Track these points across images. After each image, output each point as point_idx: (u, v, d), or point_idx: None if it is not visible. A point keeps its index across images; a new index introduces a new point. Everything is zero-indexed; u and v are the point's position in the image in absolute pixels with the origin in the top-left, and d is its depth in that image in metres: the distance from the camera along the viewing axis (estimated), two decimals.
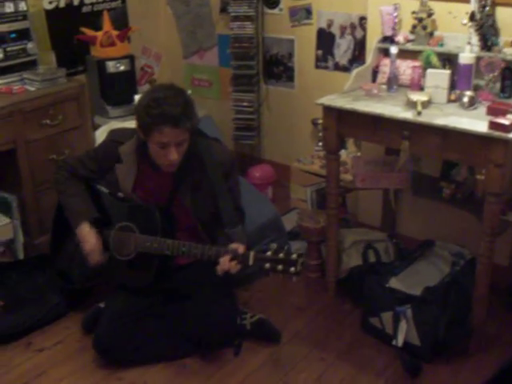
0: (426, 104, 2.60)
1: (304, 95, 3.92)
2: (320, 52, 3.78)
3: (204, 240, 2.63)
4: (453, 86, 2.72)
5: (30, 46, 3.31)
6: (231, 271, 2.41)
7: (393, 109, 2.62)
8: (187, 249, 2.51)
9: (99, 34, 3.76)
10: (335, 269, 3.07)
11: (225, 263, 2.42)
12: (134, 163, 2.61)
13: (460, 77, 2.70)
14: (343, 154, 3.47)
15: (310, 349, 2.76)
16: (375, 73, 3.07)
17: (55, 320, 2.93)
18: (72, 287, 2.88)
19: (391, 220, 3.43)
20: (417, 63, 2.85)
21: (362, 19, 3.49)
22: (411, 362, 2.60)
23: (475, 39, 2.71)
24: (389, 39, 3.00)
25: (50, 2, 3.71)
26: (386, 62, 2.98)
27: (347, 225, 3.40)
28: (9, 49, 3.24)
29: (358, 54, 3.60)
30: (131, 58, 3.85)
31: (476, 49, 2.70)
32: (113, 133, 2.74)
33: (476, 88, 2.72)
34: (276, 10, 3.90)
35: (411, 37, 2.97)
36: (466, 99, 2.59)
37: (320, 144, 3.82)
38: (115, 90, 3.82)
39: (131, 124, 2.67)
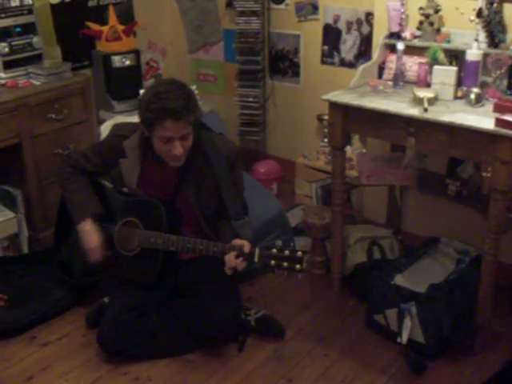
0: (433, 101, 2.59)
1: (310, 91, 3.91)
2: (326, 48, 3.77)
3: (207, 234, 2.62)
4: (459, 82, 2.70)
5: (35, 40, 3.31)
6: (238, 268, 2.42)
7: (399, 105, 2.61)
8: (192, 245, 2.51)
9: (105, 28, 3.76)
10: (340, 265, 3.06)
11: (231, 261, 2.42)
12: (139, 158, 2.61)
13: (467, 73, 2.68)
14: (348, 150, 3.47)
15: (314, 345, 2.76)
16: (381, 69, 3.06)
17: (60, 314, 2.94)
18: (71, 281, 2.89)
19: (396, 217, 3.42)
20: (423, 59, 2.84)
21: (369, 15, 3.48)
22: (415, 359, 2.59)
23: (482, 36, 2.70)
24: (395, 35, 2.98)
25: None
26: (393, 58, 2.97)
27: (352, 221, 3.40)
28: (14, 43, 3.24)
29: (364, 49, 3.58)
30: (137, 53, 3.85)
31: (483, 45, 2.69)
32: (116, 127, 2.74)
33: (483, 85, 2.70)
34: (282, 5, 3.88)
35: (418, 33, 2.95)
36: (472, 96, 2.58)
37: (325, 140, 3.81)
38: (121, 84, 3.82)
39: (136, 119, 2.66)
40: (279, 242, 2.38)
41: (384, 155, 3.21)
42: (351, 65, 3.67)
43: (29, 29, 3.29)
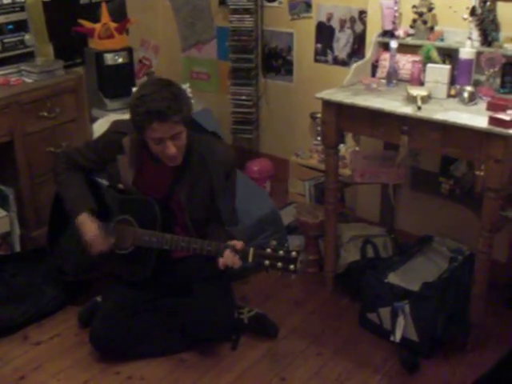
0: (426, 99, 2.59)
1: (303, 89, 3.90)
2: (319, 46, 3.76)
3: (192, 236, 2.60)
4: (453, 81, 2.70)
5: (27, 37, 3.29)
6: (234, 266, 2.40)
7: (392, 103, 2.61)
8: (186, 244, 2.50)
9: (97, 25, 3.74)
10: (333, 264, 3.06)
11: (229, 257, 2.40)
12: (136, 155, 2.60)
13: (460, 72, 2.68)
14: (342, 148, 3.47)
15: (308, 344, 2.75)
16: (374, 67, 3.06)
17: (52, 313, 2.92)
18: (65, 279, 2.87)
19: (389, 215, 3.42)
20: (417, 58, 2.84)
21: (362, 13, 3.47)
22: (409, 357, 2.60)
23: (476, 34, 2.70)
24: (389, 33, 2.99)
25: None
26: (386, 56, 2.97)
27: (345, 219, 3.40)
28: (6, 40, 3.22)
29: (358, 48, 3.58)
30: (129, 51, 3.84)
31: (476, 44, 2.69)
32: (116, 124, 2.72)
33: (476, 83, 2.71)
34: (275, 3, 3.87)
35: (411, 31, 2.96)
36: (466, 94, 2.58)
37: (318, 138, 3.81)
38: (113, 82, 3.80)
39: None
40: (273, 242, 2.37)
41: (377, 153, 3.21)
42: (344, 63, 3.67)
43: (21, 26, 3.27)
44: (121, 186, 2.66)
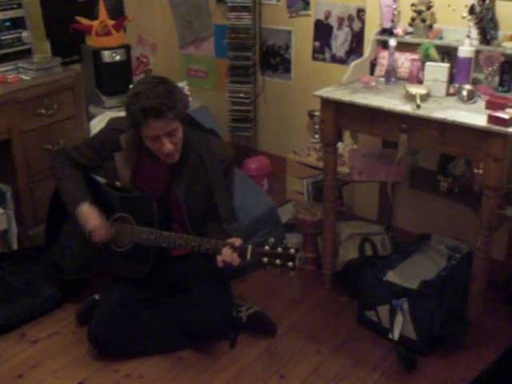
0: (425, 97, 2.59)
1: (300, 87, 3.90)
2: (317, 43, 3.76)
3: (189, 234, 2.60)
4: (451, 79, 2.70)
5: (24, 34, 3.27)
6: (233, 263, 2.40)
7: (391, 101, 2.61)
8: (184, 241, 2.50)
9: (95, 23, 3.72)
10: (331, 262, 3.06)
11: (227, 254, 2.40)
12: (134, 153, 2.60)
13: (459, 70, 2.68)
14: (340, 146, 3.46)
15: (306, 341, 2.75)
16: (373, 65, 3.05)
17: (50, 311, 2.92)
18: (63, 278, 2.86)
19: (387, 213, 3.42)
20: (415, 56, 2.84)
21: (360, 11, 3.47)
22: (407, 355, 2.60)
23: (474, 33, 2.69)
24: (387, 31, 2.98)
25: None
26: (385, 54, 2.96)
27: (343, 217, 3.40)
28: (3, 37, 3.20)
29: (356, 46, 3.58)
30: (127, 48, 3.83)
31: (475, 42, 2.69)
32: (113, 121, 2.72)
33: (475, 82, 2.71)
34: (273, 1, 3.86)
35: (410, 29, 2.95)
36: (464, 93, 2.58)
37: (316, 136, 3.80)
38: (111, 79, 3.79)
39: None
40: (272, 239, 2.37)
41: (375, 151, 3.21)
42: (342, 61, 3.66)
43: (18, 23, 3.25)
44: (118, 183, 2.66)
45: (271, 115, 4.16)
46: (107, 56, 3.74)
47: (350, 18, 3.55)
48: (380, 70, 2.99)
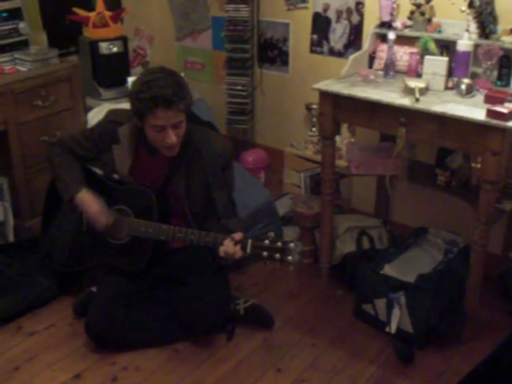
0: (424, 91, 2.59)
1: (298, 80, 3.89)
2: (315, 36, 3.74)
3: (192, 228, 2.59)
4: (450, 73, 2.70)
5: (21, 25, 3.25)
6: (236, 256, 2.39)
7: (390, 95, 2.60)
8: (183, 235, 2.49)
9: (92, 14, 3.71)
10: (329, 255, 3.06)
11: (229, 246, 2.39)
12: (132, 145, 2.58)
13: (458, 64, 2.68)
14: (337, 139, 3.45)
15: (303, 335, 2.76)
16: (372, 58, 3.04)
17: (46, 303, 2.91)
18: (56, 269, 2.86)
19: (385, 206, 3.43)
20: (414, 49, 2.83)
21: (359, 4, 3.45)
22: (404, 348, 2.61)
23: (473, 26, 2.69)
24: (386, 24, 2.97)
25: None
26: (383, 47, 2.96)
27: (341, 211, 3.40)
28: (0, 28, 3.18)
29: (354, 39, 3.56)
30: (124, 40, 3.81)
31: (474, 36, 2.68)
32: (111, 113, 2.71)
33: (473, 76, 2.71)
34: None
35: (409, 23, 2.95)
36: (463, 87, 2.58)
37: (313, 129, 3.80)
38: (108, 71, 3.79)
39: (126, 106, 2.63)
40: (272, 234, 2.37)
41: (373, 145, 3.21)
42: (340, 54, 3.65)
43: (15, 14, 3.24)
44: (116, 175, 2.65)
45: (268, 108, 4.15)
46: (104, 48, 3.73)
47: (349, 11, 3.54)
48: (379, 64, 2.99)
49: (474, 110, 2.41)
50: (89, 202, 2.57)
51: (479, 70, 2.71)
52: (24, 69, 3.22)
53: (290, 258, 2.32)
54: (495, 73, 2.70)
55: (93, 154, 2.70)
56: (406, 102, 2.51)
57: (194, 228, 2.56)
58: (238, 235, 2.40)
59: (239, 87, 4.05)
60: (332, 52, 3.70)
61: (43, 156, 3.04)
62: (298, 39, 3.83)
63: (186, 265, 2.69)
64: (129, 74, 3.81)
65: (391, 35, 2.81)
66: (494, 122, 2.29)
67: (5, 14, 3.20)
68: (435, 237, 2.94)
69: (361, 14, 3.45)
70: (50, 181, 2.82)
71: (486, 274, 2.64)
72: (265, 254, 2.34)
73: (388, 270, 2.72)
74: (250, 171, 3.74)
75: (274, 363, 2.59)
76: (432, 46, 2.76)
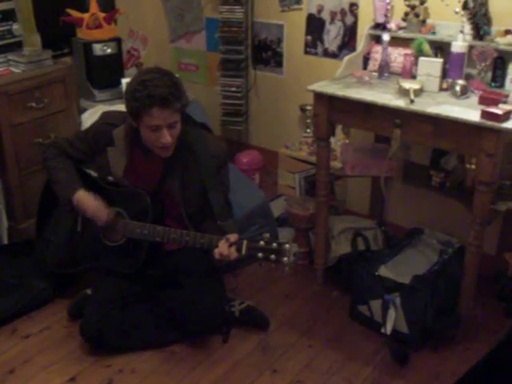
0: (418, 92, 2.59)
1: (292, 81, 3.89)
2: (309, 38, 3.74)
3: (188, 229, 2.59)
4: (444, 74, 2.71)
5: (15, 27, 3.25)
6: (230, 257, 2.39)
7: (385, 96, 2.60)
8: (178, 236, 2.49)
9: (86, 15, 3.69)
10: (324, 256, 3.06)
11: (223, 247, 2.39)
12: (127, 147, 2.58)
13: (452, 65, 2.68)
14: (332, 141, 3.46)
15: (299, 336, 2.76)
16: (366, 60, 3.05)
17: (41, 306, 2.90)
18: (49, 272, 2.85)
19: (379, 208, 3.43)
20: (408, 51, 2.84)
21: (353, 5, 3.46)
22: (399, 349, 2.61)
23: (468, 28, 2.70)
24: (381, 26, 2.98)
25: None
26: (378, 49, 2.96)
27: (335, 212, 3.40)
28: None
29: (348, 40, 3.57)
30: (118, 41, 3.80)
31: (468, 38, 2.69)
32: (106, 115, 2.70)
33: (467, 77, 2.71)
34: None
35: (403, 24, 2.95)
36: (458, 88, 2.58)
37: (308, 130, 3.81)
38: (102, 73, 3.77)
39: (118, 107, 2.63)
40: (267, 235, 2.36)
41: (368, 146, 3.21)
42: (334, 55, 3.66)
43: (8, 15, 3.22)
44: (111, 177, 2.64)
45: (263, 109, 4.15)
46: (98, 49, 3.71)
47: (343, 13, 3.54)
48: (373, 65, 2.99)
49: (468, 111, 2.42)
50: (87, 200, 2.57)
51: (473, 72, 2.72)
52: (18, 70, 3.21)
53: (285, 259, 2.31)
54: (489, 74, 2.71)
55: (87, 157, 2.69)
56: (400, 103, 2.51)
57: (191, 229, 2.55)
58: (233, 236, 2.40)
59: (233, 88, 4.05)
60: (326, 53, 3.70)
61: (37, 158, 3.03)
62: (292, 40, 3.84)
63: (182, 266, 2.68)
64: (123, 76, 3.79)
65: (385, 37, 2.82)
66: (489, 123, 2.30)
67: None
68: (430, 238, 2.94)
69: (355, 16, 3.45)
70: (45, 182, 2.81)
71: (481, 274, 2.64)
72: (260, 255, 2.34)
73: (383, 271, 2.73)
74: (244, 172, 3.74)
75: (270, 365, 2.59)
76: (426, 47, 2.77)
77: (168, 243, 2.56)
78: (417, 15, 2.87)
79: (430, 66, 2.68)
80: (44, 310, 2.89)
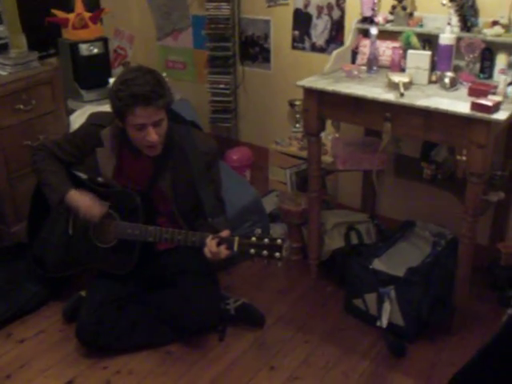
0: (408, 85, 2.59)
1: (281, 76, 3.88)
2: (296, 33, 3.73)
3: (182, 228, 2.59)
4: (433, 66, 2.71)
5: (0, 29, 3.21)
6: (221, 256, 2.38)
7: (374, 90, 2.60)
8: (170, 235, 2.48)
9: (71, 16, 3.66)
10: (317, 251, 3.07)
11: (212, 244, 2.38)
12: (115, 148, 2.57)
13: (440, 58, 2.69)
14: (322, 135, 3.46)
15: (295, 332, 2.76)
16: (354, 54, 3.05)
17: (35, 309, 2.89)
18: (47, 275, 2.83)
19: (371, 201, 3.44)
20: (396, 44, 2.84)
21: None
22: (395, 342, 2.62)
23: (455, 20, 2.70)
24: (368, 20, 2.98)
25: None
26: (366, 42, 2.96)
27: (328, 207, 3.40)
28: None
29: (335, 34, 3.56)
30: (105, 41, 3.77)
31: (456, 29, 2.70)
32: (93, 116, 2.69)
33: (456, 69, 2.72)
34: None
35: (391, 17, 2.95)
36: (447, 80, 2.58)
37: (297, 125, 3.80)
38: (89, 73, 3.74)
39: (108, 108, 2.61)
40: (258, 230, 2.36)
41: (358, 140, 3.22)
42: (322, 50, 3.65)
43: None
44: (100, 179, 2.63)
45: (252, 105, 4.14)
46: (84, 49, 3.68)
47: (330, 7, 3.53)
48: (362, 59, 2.99)
49: (458, 103, 2.42)
50: (78, 198, 2.56)
51: (462, 63, 2.73)
52: (4, 73, 3.18)
53: (277, 254, 2.30)
54: (478, 65, 2.72)
55: (76, 159, 2.68)
56: (390, 96, 2.51)
57: (184, 228, 2.55)
58: (225, 233, 2.39)
59: (222, 85, 4.04)
60: (314, 48, 3.70)
61: (26, 160, 2.99)
62: (280, 36, 3.82)
63: (175, 266, 2.68)
64: (110, 75, 3.77)
65: (373, 30, 2.82)
66: (479, 114, 2.30)
67: None
68: (423, 230, 2.95)
69: (342, 10, 3.45)
70: (35, 185, 2.79)
71: (474, 264, 2.65)
72: (252, 251, 2.33)
73: (377, 264, 2.73)
74: (235, 169, 3.74)
75: (267, 361, 2.59)
76: (414, 40, 2.77)
77: (160, 243, 2.55)
78: (404, 8, 2.87)
79: (419, 58, 2.68)
80: (38, 313, 2.88)
